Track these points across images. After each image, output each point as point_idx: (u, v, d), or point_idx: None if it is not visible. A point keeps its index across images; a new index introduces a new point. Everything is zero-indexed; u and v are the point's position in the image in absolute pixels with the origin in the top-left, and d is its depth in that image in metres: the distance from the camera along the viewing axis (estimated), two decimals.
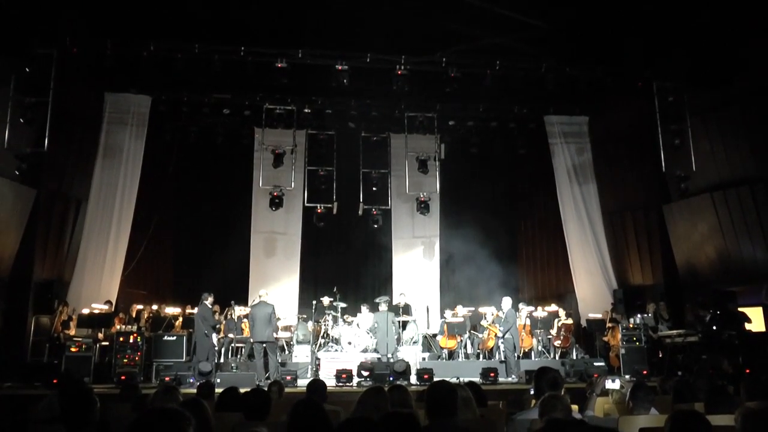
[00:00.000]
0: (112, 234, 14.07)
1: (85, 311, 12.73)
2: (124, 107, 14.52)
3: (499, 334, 13.02)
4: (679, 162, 13.39)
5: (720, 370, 10.27)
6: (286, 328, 14.39)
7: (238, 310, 14.31)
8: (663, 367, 12.67)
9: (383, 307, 13.17)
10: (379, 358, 12.59)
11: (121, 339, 11.90)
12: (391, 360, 12.41)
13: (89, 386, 4.29)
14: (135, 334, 12.09)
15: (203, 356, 11.81)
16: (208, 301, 12.34)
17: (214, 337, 12.50)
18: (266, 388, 6.70)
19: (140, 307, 14.23)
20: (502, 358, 12.92)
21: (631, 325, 13.13)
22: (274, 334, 12.41)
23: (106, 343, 12.67)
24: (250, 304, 15.22)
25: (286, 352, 14.16)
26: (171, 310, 14.17)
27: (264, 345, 12.03)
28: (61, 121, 12.35)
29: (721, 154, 13.45)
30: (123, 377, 10.74)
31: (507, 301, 12.99)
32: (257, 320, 11.98)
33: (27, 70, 11.66)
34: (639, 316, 13.56)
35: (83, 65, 12.90)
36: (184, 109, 15.01)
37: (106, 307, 13.13)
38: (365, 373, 11.46)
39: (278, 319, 13.10)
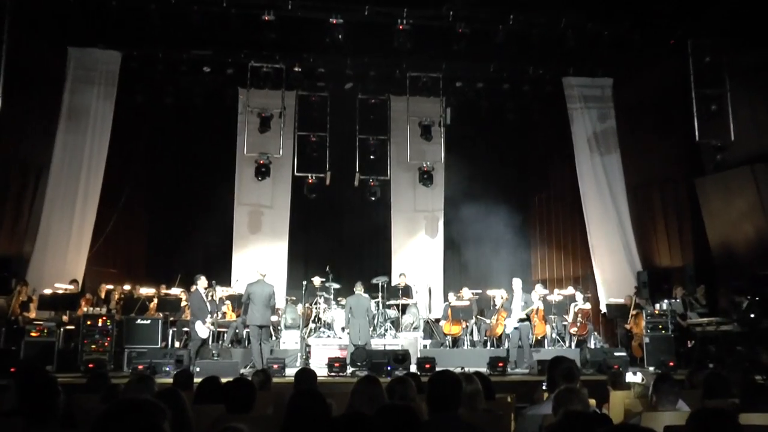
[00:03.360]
0: (78, 205, 14.05)
1: (48, 291, 12.73)
2: (90, 64, 14.41)
3: (514, 322, 13.07)
4: (716, 130, 13.29)
5: (758, 363, 10.33)
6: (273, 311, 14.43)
7: (220, 291, 14.34)
8: (692, 358, 12.76)
9: (359, 289, 13.16)
10: (356, 347, 12.30)
11: (89, 322, 11.92)
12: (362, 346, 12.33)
13: (52, 375, 4.30)
14: (104, 317, 12.11)
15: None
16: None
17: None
18: (249, 377, 6.73)
19: (110, 287, 14.27)
20: (516, 346, 12.92)
21: (656, 312, 13.20)
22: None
23: (72, 327, 12.69)
24: (233, 283, 15.35)
25: (273, 338, 14.22)
26: (145, 291, 14.18)
27: (262, 329, 12.05)
28: (17, 79, 12.19)
29: (764, 121, 13.37)
30: (90, 365, 10.78)
31: (518, 283, 13.13)
32: (257, 300, 11.96)
33: None
34: (666, 301, 13.63)
35: (42, 15, 12.73)
36: (159, 66, 14.84)
37: (71, 286, 13.16)
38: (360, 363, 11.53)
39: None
